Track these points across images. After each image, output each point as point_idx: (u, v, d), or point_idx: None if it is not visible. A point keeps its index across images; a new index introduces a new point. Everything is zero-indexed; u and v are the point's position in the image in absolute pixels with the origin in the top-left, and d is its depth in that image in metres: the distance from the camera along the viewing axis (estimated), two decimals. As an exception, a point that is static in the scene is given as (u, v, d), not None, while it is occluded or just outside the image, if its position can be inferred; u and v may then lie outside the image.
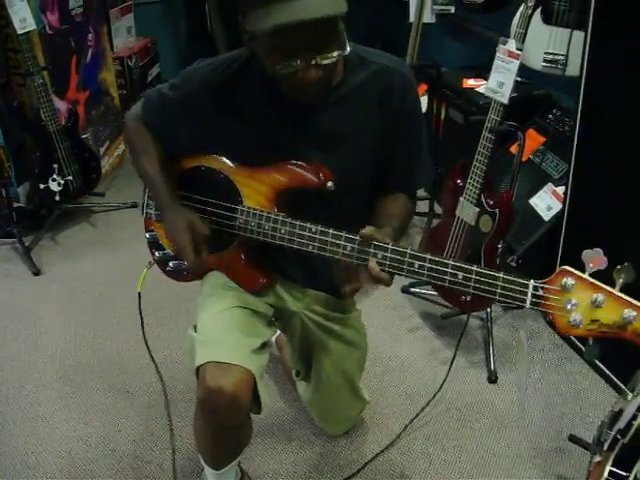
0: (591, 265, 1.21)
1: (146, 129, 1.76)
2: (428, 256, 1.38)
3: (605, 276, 1.21)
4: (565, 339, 2.71)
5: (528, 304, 1.28)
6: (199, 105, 1.65)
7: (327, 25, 1.37)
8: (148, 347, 2.05)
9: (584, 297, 1.21)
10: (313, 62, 1.40)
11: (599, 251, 1.21)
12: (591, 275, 1.22)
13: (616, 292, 1.19)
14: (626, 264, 1.18)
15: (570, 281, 1.22)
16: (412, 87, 1.67)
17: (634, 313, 1.17)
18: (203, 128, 1.69)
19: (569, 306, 1.22)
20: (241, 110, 1.63)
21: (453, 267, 1.36)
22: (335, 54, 1.42)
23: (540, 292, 1.26)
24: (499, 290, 1.31)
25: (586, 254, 1.21)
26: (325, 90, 1.54)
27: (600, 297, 1.19)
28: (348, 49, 1.46)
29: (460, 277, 1.35)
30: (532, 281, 1.28)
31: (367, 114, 1.62)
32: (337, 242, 1.50)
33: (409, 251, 1.40)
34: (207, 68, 1.66)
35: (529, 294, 1.27)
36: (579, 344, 2.63)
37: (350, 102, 1.61)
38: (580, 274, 1.22)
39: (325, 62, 1.41)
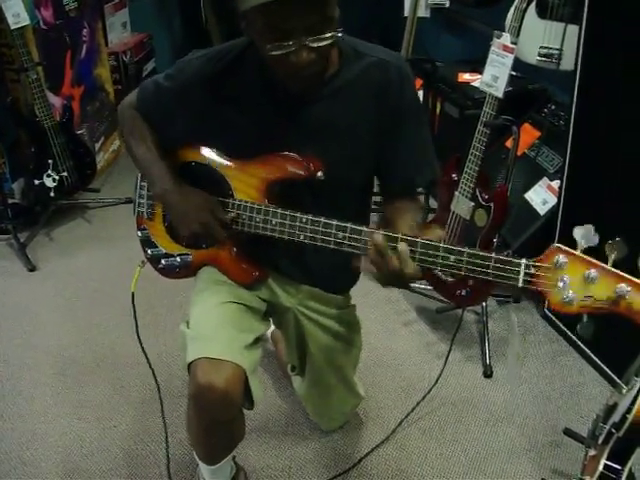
0: (582, 242, 1.20)
1: (141, 118, 1.76)
2: (419, 240, 1.37)
3: (597, 253, 1.20)
4: (560, 333, 2.71)
5: (520, 283, 1.27)
6: (194, 95, 1.64)
7: (317, 6, 1.36)
8: (142, 345, 2.03)
9: (577, 274, 1.21)
10: (305, 43, 1.38)
11: (590, 227, 1.20)
12: (583, 252, 1.21)
13: (609, 267, 1.18)
14: (617, 239, 1.17)
15: (562, 258, 1.21)
16: (409, 81, 1.66)
17: (627, 288, 1.16)
18: (198, 118, 1.68)
19: (562, 283, 1.21)
20: (236, 100, 1.62)
21: (444, 250, 1.35)
22: (327, 35, 1.40)
23: (532, 270, 1.25)
24: (491, 270, 1.30)
25: (577, 231, 1.20)
26: (318, 78, 1.53)
27: (593, 273, 1.18)
28: (340, 35, 1.44)
29: (452, 259, 1.34)
30: (524, 260, 1.27)
31: (362, 107, 1.61)
32: (328, 230, 1.50)
33: (400, 235, 1.39)
34: (202, 59, 1.65)
35: (521, 273, 1.26)
36: (574, 338, 2.63)
37: (345, 95, 1.60)
38: (572, 251, 1.22)
39: (317, 44, 1.40)
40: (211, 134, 1.70)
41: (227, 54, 1.62)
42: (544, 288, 1.25)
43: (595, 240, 1.20)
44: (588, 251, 1.21)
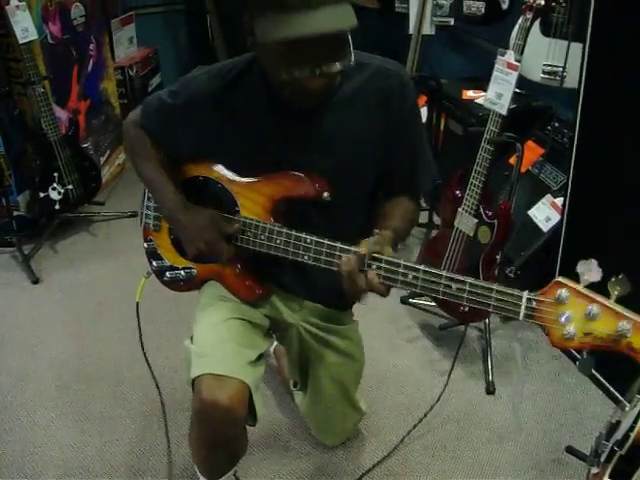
0: (586, 277, 1.19)
1: (146, 136, 1.76)
2: (422, 267, 1.38)
3: (601, 288, 1.20)
4: (563, 351, 2.70)
5: (522, 317, 1.26)
6: (198, 111, 1.65)
7: (337, 38, 1.38)
8: (146, 357, 2.04)
9: (578, 309, 1.20)
10: (318, 72, 1.40)
11: (594, 262, 1.19)
12: (586, 287, 1.20)
13: (611, 304, 1.18)
14: (621, 276, 1.17)
15: (564, 293, 1.20)
16: (410, 88, 1.67)
17: (628, 326, 1.15)
18: (202, 134, 1.68)
19: (563, 319, 1.21)
20: (240, 115, 1.63)
21: (446, 278, 1.35)
22: (340, 65, 1.42)
23: (534, 304, 1.25)
24: (493, 302, 1.30)
25: (581, 265, 1.20)
26: (326, 95, 1.55)
27: (595, 309, 1.18)
28: (352, 59, 1.45)
29: (454, 288, 1.35)
30: (526, 293, 1.26)
31: (366, 116, 1.62)
32: (332, 252, 1.50)
33: (403, 262, 1.39)
34: (206, 75, 1.66)
35: (523, 306, 1.26)
36: (577, 354, 2.62)
37: (348, 105, 1.61)
38: (575, 286, 1.21)
39: (330, 71, 1.42)
40: (216, 150, 1.71)
41: (231, 70, 1.63)
42: (545, 323, 1.24)
43: (598, 276, 1.19)
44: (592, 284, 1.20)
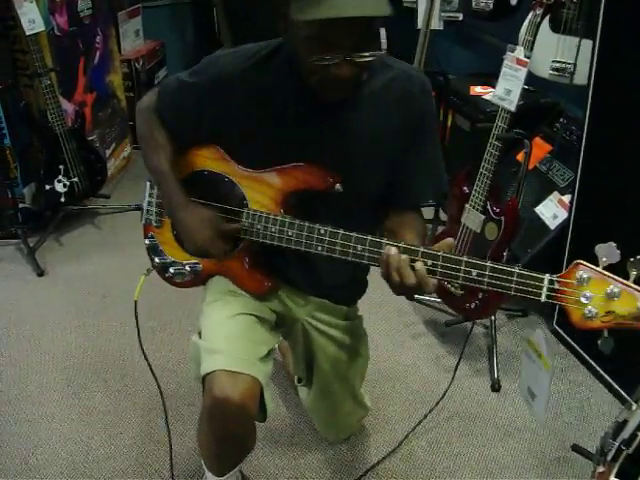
0: (604, 259, 1.23)
1: (160, 121, 1.73)
2: (440, 253, 1.36)
3: (618, 270, 1.23)
4: (570, 349, 2.69)
5: (544, 298, 1.28)
6: (222, 90, 1.61)
7: (370, 25, 1.38)
8: (144, 353, 2.02)
9: (599, 289, 1.23)
10: (349, 59, 1.39)
11: (612, 245, 1.22)
12: (604, 269, 1.23)
13: (631, 284, 1.21)
14: (639, 257, 1.19)
15: (585, 274, 1.24)
16: (431, 97, 1.66)
17: None
18: (223, 115, 1.64)
19: (584, 299, 1.24)
20: (265, 99, 1.60)
21: (466, 264, 1.35)
22: (371, 53, 1.41)
23: (556, 285, 1.27)
24: (514, 285, 1.31)
25: (599, 248, 1.23)
26: (353, 90, 1.53)
27: (615, 289, 1.21)
28: (383, 50, 1.45)
29: (474, 274, 1.34)
30: (547, 275, 1.29)
31: (385, 117, 1.61)
32: (347, 243, 1.49)
33: (421, 249, 1.38)
34: (231, 56, 1.64)
35: (544, 288, 1.28)
36: (584, 354, 2.61)
37: (370, 103, 1.59)
38: (594, 267, 1.24)
39: (361, 60, 1.41)
40: (234, 133, 1.66)
41: (257, 53, 1.61)
42: (566, 303, 1.27)
43: (617, 257, 1.22)
44: (609, 268, 1.23)
